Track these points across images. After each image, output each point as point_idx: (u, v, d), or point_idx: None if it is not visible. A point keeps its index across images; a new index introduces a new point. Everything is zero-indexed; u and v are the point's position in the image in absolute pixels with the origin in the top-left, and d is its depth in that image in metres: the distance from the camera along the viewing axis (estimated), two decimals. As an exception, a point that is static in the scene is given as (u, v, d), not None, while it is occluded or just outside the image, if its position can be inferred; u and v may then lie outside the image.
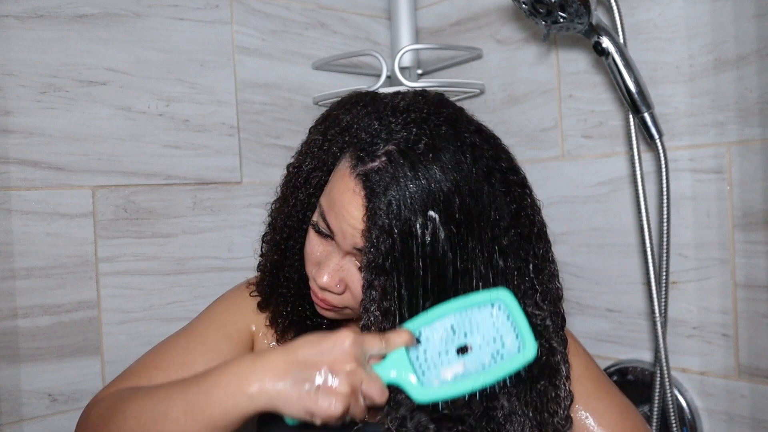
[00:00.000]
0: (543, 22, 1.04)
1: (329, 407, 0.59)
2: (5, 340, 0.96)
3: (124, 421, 0.67)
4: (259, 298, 0.86)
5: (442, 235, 0.67)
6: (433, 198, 0.67)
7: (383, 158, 0.69)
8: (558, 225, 1.19)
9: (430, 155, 0.68)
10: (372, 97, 0.78)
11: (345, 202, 0.71)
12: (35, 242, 0.99)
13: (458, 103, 1.28)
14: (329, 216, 0.73)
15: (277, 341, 0.84)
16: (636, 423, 0.80)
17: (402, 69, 1.28)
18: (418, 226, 0.67)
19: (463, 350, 0.67)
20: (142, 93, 1.09)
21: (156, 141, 1.10)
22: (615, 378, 1.10)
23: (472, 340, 0.66)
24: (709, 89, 0.99)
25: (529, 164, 1.22)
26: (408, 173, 0.67)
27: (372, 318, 0.70)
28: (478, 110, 1.29)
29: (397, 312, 0.68)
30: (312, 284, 0.77)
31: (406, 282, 0.68)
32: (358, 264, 0.73)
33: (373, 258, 0.68)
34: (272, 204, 0.85)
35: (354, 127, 0.73)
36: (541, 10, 1.02)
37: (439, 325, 0.67)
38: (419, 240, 0.67)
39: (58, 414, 1.01)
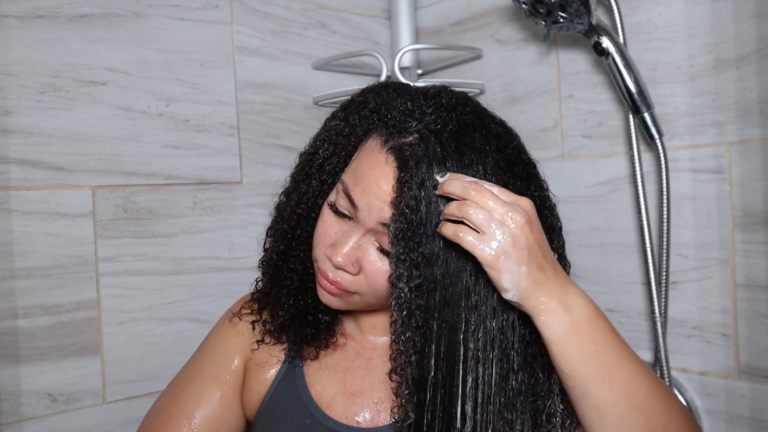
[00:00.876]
0: (543, 22, 1.04)
1: None
2: (5, 340, 0.96)
3: None
4: (245, 322, 0.88)
5: None
6: None
7: (416, 134, 0.70)
8: (558, 225, 1.19)
9: (460, 138, 0.70)
10: (400, 84, 0.80)
11: (375, 176, 0.71)
12: (35, 242, 0.99)
13: (458, 103, 1.25)
14: (354, 191, 0.72)
15: (272, 336, 0.85)
16: None
17: (402, 69, 1.28)
18: (442, 204, 0.68)
19: None
20: (142, 93, 1.09)
21: (156, 141, 1.10)
22: (615, 378, 1.10)
23: None
24: (709, 89, 0.99)
25: (529, 164, 1.22)
26: (438, 151, 0.69)
27: (402, 296, 0.68)
28: (478, 110, 1.30)
29: (425, 288, 0.68)
30: (323, 265, 0.76)
31: (433, 258, 0.68)
32: (377, 245, 0.73)
33: (400, 228, 0.68)
34: (280, 196, 0.86)
35: (383, 108, 0.75)
36: (541, 10, 1.02)
37: None
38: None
39: (58, 414, 1.01)
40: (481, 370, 0.68)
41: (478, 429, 0.67)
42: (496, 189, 0.66)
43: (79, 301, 1.03)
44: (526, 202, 0.66)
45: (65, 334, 1.01)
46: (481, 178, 0.69)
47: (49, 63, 1.00)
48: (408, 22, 1.35)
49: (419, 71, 1.36)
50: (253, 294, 0.90)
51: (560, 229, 0.78)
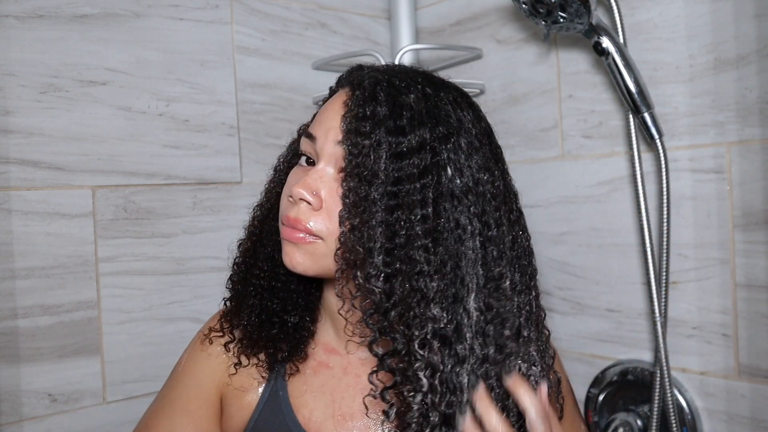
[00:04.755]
0: (543, 22, 1.04)
1: None
2: (5, 340, 0.96)
3: None
4: (216, 344, 0.83)
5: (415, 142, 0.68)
6: (416, 110, 0.70)
7: (369, 70, 0.75)
8: (558, 225, 1.19)
9: (419, 86, 0.73)
10: (354, 66, 0.83)
11: (329, 104, 0.74)
12: (35, 242, 0.99)
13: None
14: (313, 127, 0.75)
15: (248, 357, 0.81)
16: None
17: (402, 69, 1.28)
18: (394, 120, 0.68)
19: None
20: (142, 93, 1.09)
21: (156, 141, 1.10)
22: (615, 378, 1.10)
23: None
24: (709, 89, 0.99)
25: (529, 164, 1.22)
26: (394, 78, 0.72)
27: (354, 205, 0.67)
28: (478, 110, 1.30)
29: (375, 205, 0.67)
30: (285, 211, 0.73)
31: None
32: (336, 171, 0.71)
33: (351, 123, 0.68)
34: (253, 211, 0.86)
35: (338, 82, 0.80)
36: (541, 10, 1.02)
37: None
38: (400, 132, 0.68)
39: (58, 414, 1.01)
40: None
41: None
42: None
43: (79, 301, 1.03)
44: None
45: (65, 334, 1.01)
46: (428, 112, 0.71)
47: (49, 63, 1.00)
48: (408, 22, 1.35)
49: (419, 71, 1.36)
50: (222, 313, 0.85)
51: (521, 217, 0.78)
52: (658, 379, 1.00)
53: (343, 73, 0.81)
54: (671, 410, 0.99)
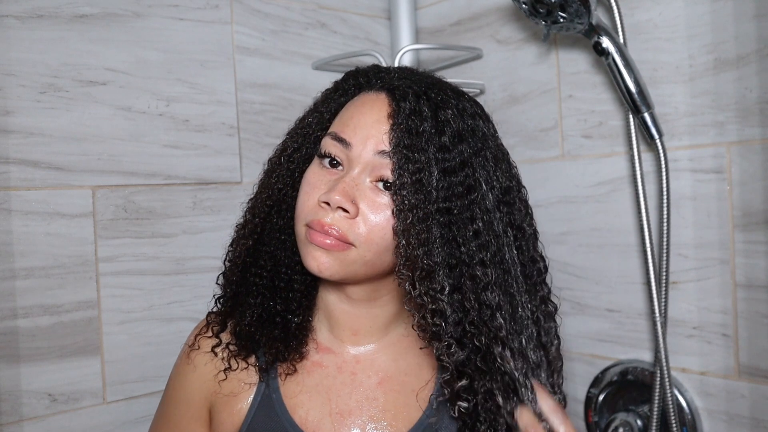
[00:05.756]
0: (543, 22, 1.04)
1: None
2: (5, 340, 0.96)
3: None
4: (202, 352, 0.82)
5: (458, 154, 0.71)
6: (450, 124, 0.73)
7: (397, 75, 0.77)
8: (558, 225, 1.19)
9: (440, 84, 0.77)
10: (360, 68, 0.83)
11: (366, 110, 0.73)
12: (35, 242, 0.99)
13: (458, 103, 1.24)
14: (345, 131, 0.73)
15: (238, 360, 0.80)
16: None
17: (402, 69, 1.28)
18: (436, 134, 0.71)
19: None
20: (142, 93, 1.09)
21: (156, 141, 1.10)
22: (615, 378, 1.10)
23: None
24: (709, 89, 0.99)
25: (529, 164, 1.22)
26: (422, 85, 0.74)
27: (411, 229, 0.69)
28: (478, 110, 1.30)
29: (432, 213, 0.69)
30: (315, 216, 0.72)
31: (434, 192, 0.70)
32: (374, 182, 0.72)
33: (401, 137, 0.70)
34: (247, 203, 0.85)
35: (356, 80, 0.79)
36: (541, 10, 1.02)
37: None
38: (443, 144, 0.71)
39: (58, 414, 1.01)
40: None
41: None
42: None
43: (79, 301, 1.03)
44: None
45: (65, 334, 1.01)
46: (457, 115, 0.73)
47: (49, 63, 1.00)
48: (408, 22, 1.35)
49: (419, 71, 1.36)
50: (208, 316, 0.85)
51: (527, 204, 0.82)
52: (658, 379, 1.00)
53: (358, 71, 0.80)
54: (671, 410, 0.99)
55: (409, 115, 0.70)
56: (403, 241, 0.69)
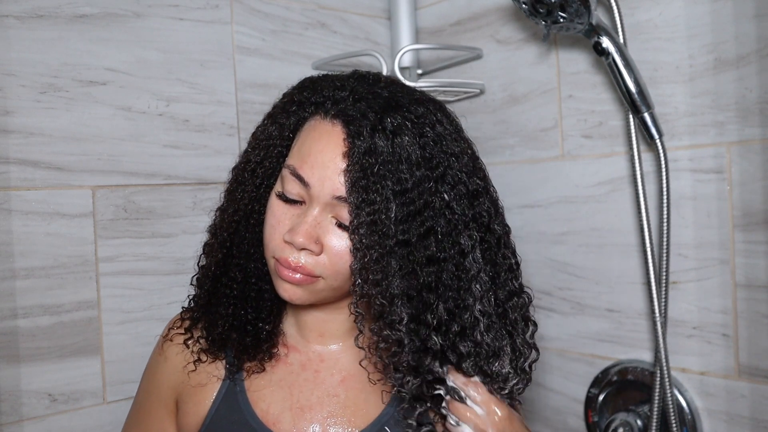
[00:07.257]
0: (543, 22, 1.04)
1: None
2: (5, 340, 0.96)
3: None
4: (175, 344, 0.85)
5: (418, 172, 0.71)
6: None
7: (352, 97, 0.74)
8: (558, 225, 1.19)
9: (393, 90, 0.75)
10: (317, 76, 0.81)
11: (322, 146, 0.72)
12: (35, 242, 0.99)
13: (458, 103, 1.29)
14: (303, 169, 0.73)
15: (208, 354, 0.83)
16: None
17: (402, 69, 1.28)
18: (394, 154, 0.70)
19: None
20: (142, 93, 1.09)
21: (156, 141, 1.10)
22: (615, 378, 1.10)
23: None
24: (709, 89, 0.99)
25: (529, 164, 1.22)
26: (379, 102, 0.72)
27: (367, 255, 0.70)
28: (478, 110, 1.30)
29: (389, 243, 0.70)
30: (282, 254, 0.74)
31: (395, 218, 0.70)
32: (335, 221, 0.73)
33: (357, 177, 0.69)
34: (215, 212, 0.86)
35: (311, 96, 0.77)
36: (541, 10, 1.02)
37: None
38: (400, 165, 0.70)
39: (58, 414, 1.01)
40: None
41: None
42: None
43: (79, 301, 1.03)
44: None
45: (65, 334, 1.01)
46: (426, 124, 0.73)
47: (49, 63, 1.00)
48: (408, 22, 1.34)
49: (419, 71, 1.36)
50: (183, 313, 0.87)
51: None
52: (658, 379, 1.00)
53: (314, 83, 0.79)
54: (671, 410, 0.99)
55: (363, 154, 0.70)
56: (359, 280, 0.71)
